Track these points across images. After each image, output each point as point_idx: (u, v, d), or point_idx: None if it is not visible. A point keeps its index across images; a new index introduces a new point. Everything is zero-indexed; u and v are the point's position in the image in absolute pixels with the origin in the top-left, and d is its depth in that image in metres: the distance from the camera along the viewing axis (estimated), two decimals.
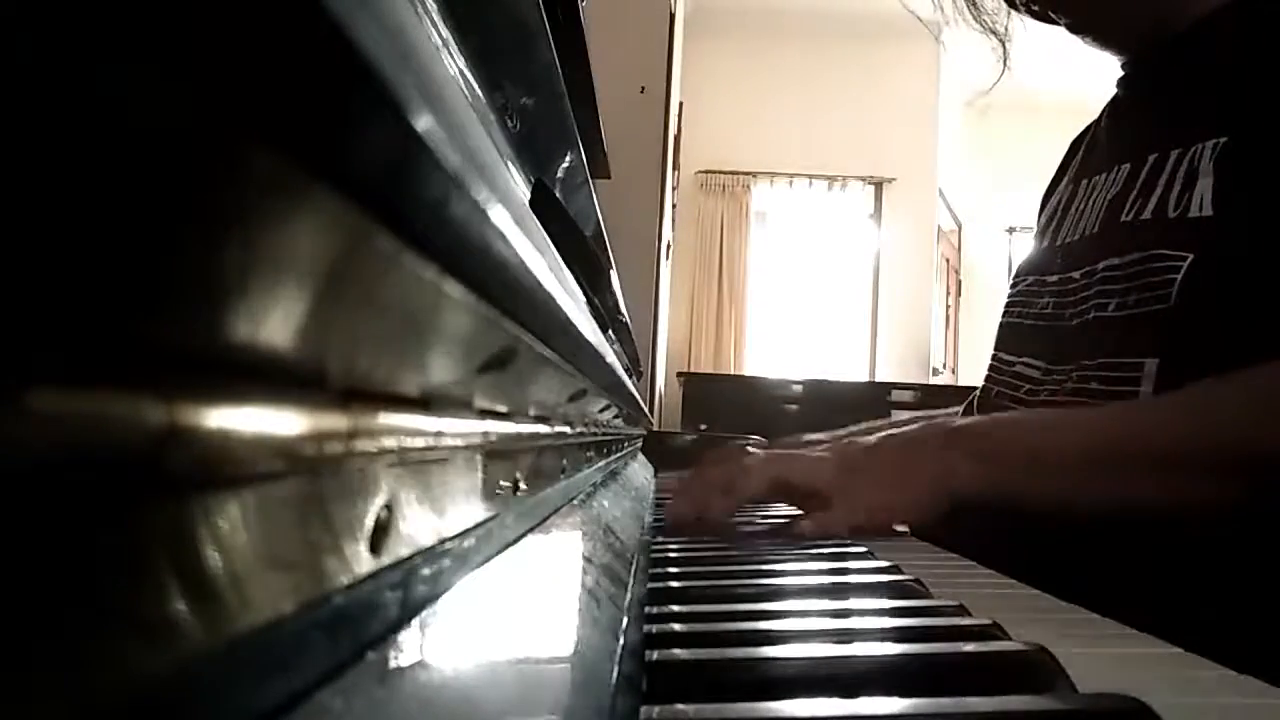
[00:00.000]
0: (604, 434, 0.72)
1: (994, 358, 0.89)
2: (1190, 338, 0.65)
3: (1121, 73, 0.85)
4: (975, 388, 0.96)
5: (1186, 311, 0.66)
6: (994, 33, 0.91)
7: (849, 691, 0.28)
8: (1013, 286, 0.90)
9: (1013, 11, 0.86)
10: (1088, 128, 0.93)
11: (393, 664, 0.16)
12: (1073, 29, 0.81)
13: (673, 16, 2.80)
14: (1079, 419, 0.68)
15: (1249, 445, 0.58)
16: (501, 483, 0.29)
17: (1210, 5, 0.75)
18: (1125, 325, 0.70)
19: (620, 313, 0.98)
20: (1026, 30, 0.89)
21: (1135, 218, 0.73)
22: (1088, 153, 0.90)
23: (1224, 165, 0.67)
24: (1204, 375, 0.61)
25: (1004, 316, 0.89)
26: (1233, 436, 0.59)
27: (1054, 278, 0.81)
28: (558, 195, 0.53)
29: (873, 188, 5.14)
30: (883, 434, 0.75)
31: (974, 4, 0.90)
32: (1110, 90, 0.88)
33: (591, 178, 0.79)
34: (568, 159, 0.64)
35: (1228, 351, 0.60)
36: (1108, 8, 0.79)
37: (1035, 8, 0.81)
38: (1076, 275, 0.78)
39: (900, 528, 0.75)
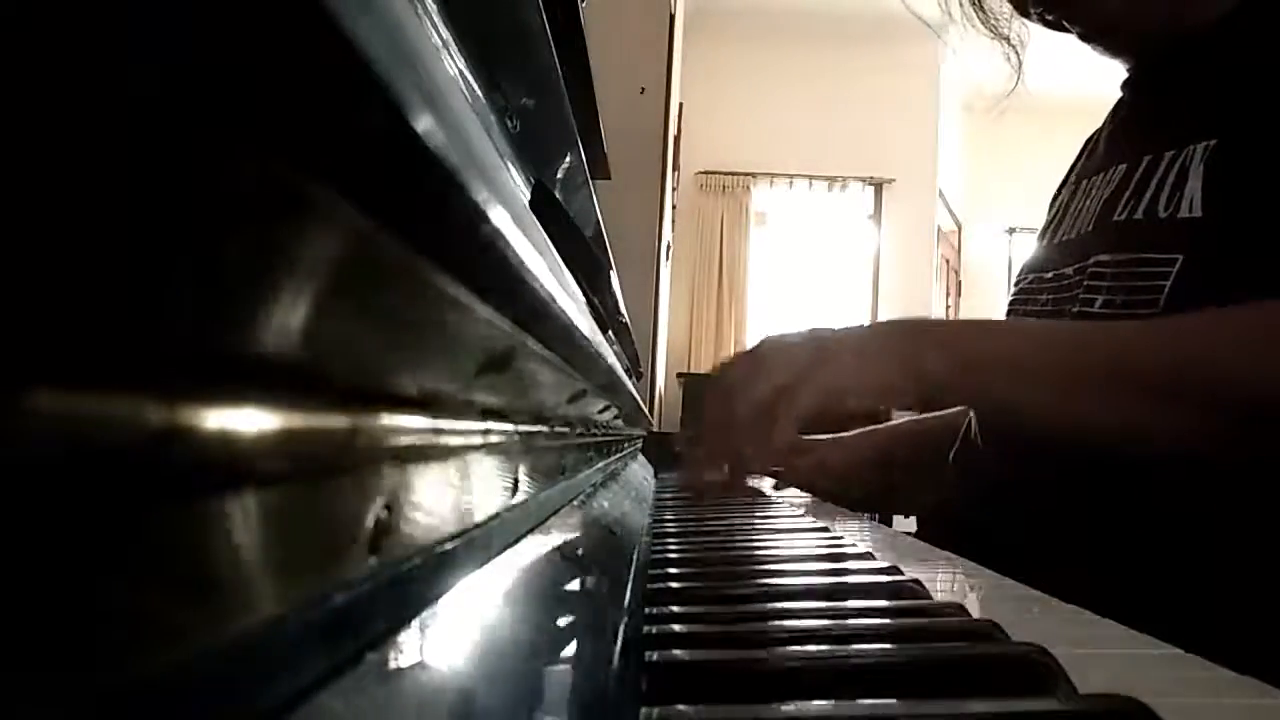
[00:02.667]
0: (604, 435, 0.72)
1: None
2: None
3: (1126, 76, 0.86)
4: None
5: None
6: (1004, 38, 0.91)
7: (849, 692, 0.28)
8: (1015, 285, 0.90)
9: (1022, 18, 0.86)
10: (1097, 129, 0.94)
11: (392, 665, 0.16)
12: (1084, 37, 0.81)
13: (673, 17, 2.80)
14: (1066, 331, 0.68)
15: (1241, 382, 0.58)
16: (501, 484, 0.29)
17: (1219, 12, 0.75)
18: None
19: (620, 313, 0.98)
20: (1029, 32, 0.89)
21: (1128, 217, 0.73)
22: (1090, 154, 0.90)
23: (1213, 167, 0.67)
24: None
25: (1008, 313, 0.90)
26: (1227, 370, 0.59)
27: (1050, 274, 0.82)
28: (558, 196, 0.53)
29: (872, 188, 5.13)
30: (851, 326, 0.74)
31: (981, 9, 0.90)
32: (1111, 91, 0.88)
33: (591, 178, 0.79)
34: (567, 159, 0.64)
35: None
36: (1120, 20, 0.79)
37: (1049, 17, 0.81)
38: (1069, 271, 0.78)
39: (900, 528, 0.75)
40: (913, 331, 0.69)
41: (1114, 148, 0.83)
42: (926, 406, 0.68)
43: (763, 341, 0.76)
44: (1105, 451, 0.63)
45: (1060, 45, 0.83)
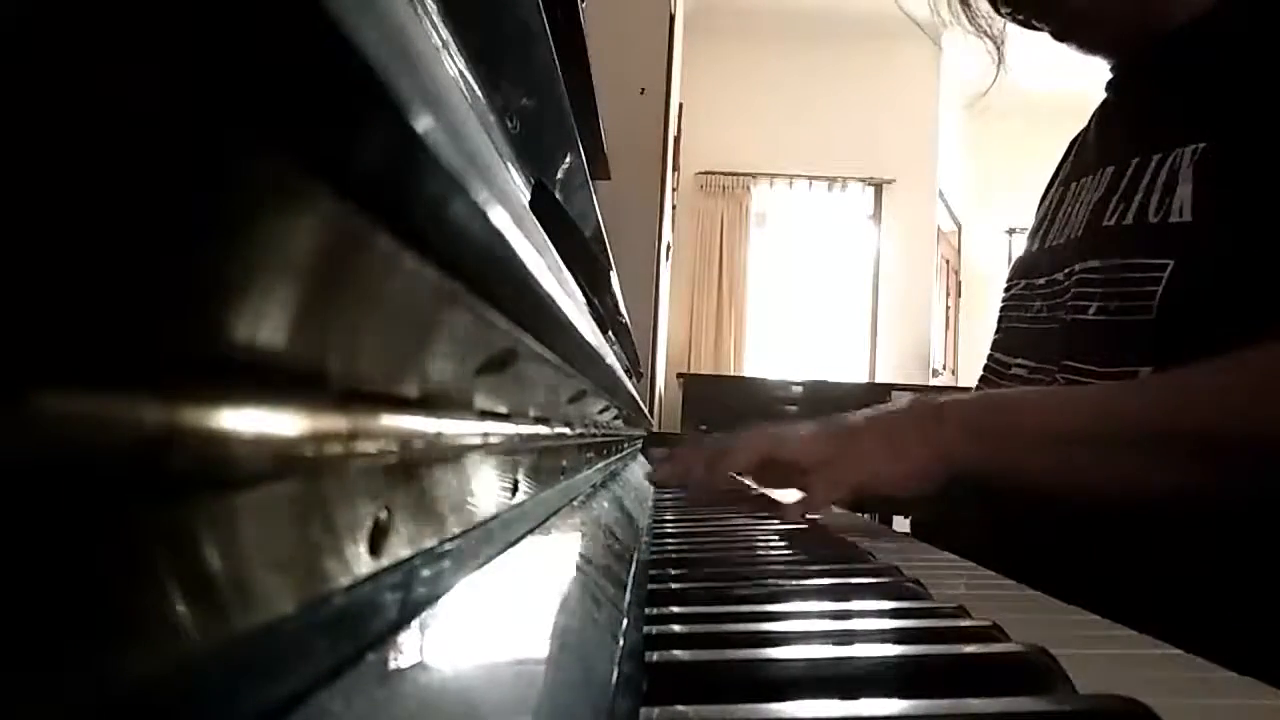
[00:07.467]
0: (604, 435, 0.72)
1: (990, 358, 0.89)
2: (1180, 348, 0.65)
3: (1110, 76, 0.85)
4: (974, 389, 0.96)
5: (1170, 323, 0.65)
6: (988, 35, 0.91)
7: (849, 693, 0.28)
8: (1006, 290, 0.90)
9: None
10: (1082, 130, 0.94)
11: (392, 665, 0.16)
12: (1056, 36, 0.81)
13: (673, 17, 2.80)
14: (1075, 396, 0.69)
15: (1245, 426, 0.58)
16: (501, 484, 0.29)
17: (1195, 10, 0.75)
18: (1110, 333, 0.70)
19: (620, 314, 0.98)
20: (1023, 32, 0.89)
21: (1117, 222, 0.73)
22: (1077, 156, 0.90)
23: (1203, 170, 0.67)
24: None
25: (1000, 321, 0.90)
26: (1226, 416, 0.59)
27: (1042, 280, 0.82)
28: (558, 196, 0.53)
29: (872, 189, 5.14)
30: (871, 411, 0.76)
31: (967, 6, 0.90)
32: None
33: (591, 178, 0.79)
34: (567, 160, 0.64)
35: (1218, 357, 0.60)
36: (1089, 16, 0.79)
37: (1020, 16, 0.81)
38: (1060, 277, 0.78)
39: (900, 529, 0.75)
40: (934, 416, 0.70)
41: (1101, 150, 0.83)
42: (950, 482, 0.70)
43: (764, 431, 0.80)
44: (1108, 506, 0.63)
45: (1058, 46, 0.83)
